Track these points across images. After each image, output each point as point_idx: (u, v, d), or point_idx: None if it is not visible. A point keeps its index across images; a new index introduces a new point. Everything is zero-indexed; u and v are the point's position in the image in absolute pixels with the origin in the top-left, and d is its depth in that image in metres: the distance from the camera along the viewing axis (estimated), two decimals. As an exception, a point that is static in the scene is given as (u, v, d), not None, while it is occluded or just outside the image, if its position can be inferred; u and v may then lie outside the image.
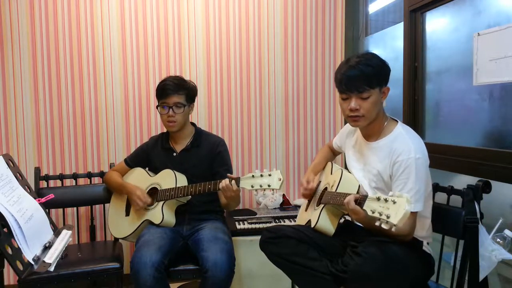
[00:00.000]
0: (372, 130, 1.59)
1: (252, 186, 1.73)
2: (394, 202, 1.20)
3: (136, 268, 1.69)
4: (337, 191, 1.58)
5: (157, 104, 2.04)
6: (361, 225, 1.60)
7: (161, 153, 2.10)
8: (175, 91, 1.98)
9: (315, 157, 2.03)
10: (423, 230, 1.53)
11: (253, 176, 1.74)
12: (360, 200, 1.33)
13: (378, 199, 1.25)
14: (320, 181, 1.85)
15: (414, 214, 1.42)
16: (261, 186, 1.72)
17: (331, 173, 1.76)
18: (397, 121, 1.59)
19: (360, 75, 1.47)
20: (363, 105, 1.49)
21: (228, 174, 1.81)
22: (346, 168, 1.74)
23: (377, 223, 1.23)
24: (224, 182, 1.78)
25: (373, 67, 1.48)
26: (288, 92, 2.78)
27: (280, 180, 1.69)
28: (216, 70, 2.69)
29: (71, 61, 2.55)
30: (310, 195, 1.81)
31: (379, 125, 1.58)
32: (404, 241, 1.43)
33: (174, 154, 2.07)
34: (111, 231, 2.14)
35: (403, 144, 1.47)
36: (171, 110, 1.98)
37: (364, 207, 1.29)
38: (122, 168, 2.19)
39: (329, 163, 1.86)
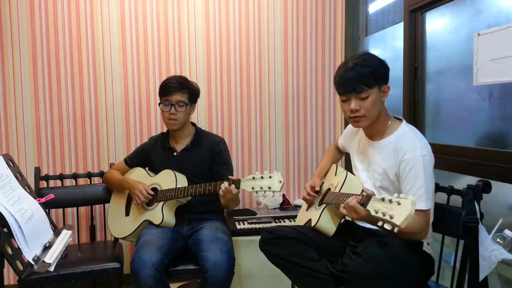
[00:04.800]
0: (375, 130, 1.59)
1: (253, 188, 1.73)
2: (399, 203, 1.19)
3: (136, 268, 1.69)
4: (341, 192, 1.58)
5: (159, 101, 2.05)
6: (362, 224, 1.60)
7: (161, 153, 2.10)
8: (179, 89, 1.99)
9: (322, 158, 2.03)
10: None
11: (253, 178, 1.74)
12: (364, 200, 1.33)
13: (383, 199, 1.24)
14: (323, 182, 1.85)
15: (426, 212, 1.42)
16: (261, 188, 1.72)
17: (335, 175, 1.76)
18: (402, 120, 1.59)
19: (357, 76, 1.47)
20: (363, 105, 1.49)
21: (230, 177, 1.81)
22: (350, 170, 1.74)
23: (379, 223, 1.23)
24: (223, 186, 1.78)
25: (370, 67, 1.48)
26: (288, 92, 2.78)
27: (280, 182, 1.69)
28: (216, 70, 2.69)
29: (71, 61, 2.55)
30: (311, 200, 1.81)
31: (382, 124, 1.57)
32: (411, 241, 1.43)
33: (175, 153, 2.07)
34: (111, 231, 2.13)
35: (408, 142, 1.47)
36: (173, 108, 1.98)
37: (367, 207, 1.29)
38: (122, 167, 2.19)
39: (334, 165, 1.86)
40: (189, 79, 2.10)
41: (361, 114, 1.51)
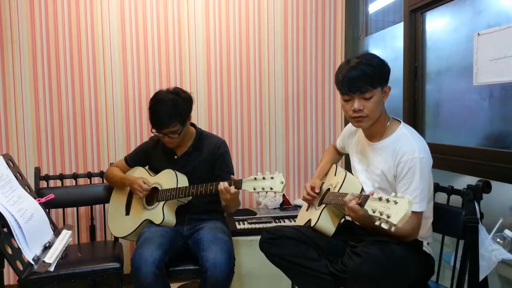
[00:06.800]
0: (375, 131, 1.59)
1: (254, 189, 1.73)
2: (396, 203, 1.20)
3: (137, 265, 1.69)
4: (340, 192, 1.58)
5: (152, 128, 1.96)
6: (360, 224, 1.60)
7: (161, 155, 2.09)
8: (169, 123, 1.88)
9: (321, 158, 2.03)
10: (424, 230, 1.52)
11: (255, 178, 1.74)
12: (362, 200, 1.33)
13: (380, 199, 1.25)
14: (323, 183, 1.85)
15: (418, 214, 1.42)
16: (263, 188, 1.71)
17: (335, 175, 1.76)
18: (400, 122, 1.58)
19: (361, 75, 1.45)
20: (366, 105, 1.48)
21: (232, 176, 1.81)
22: (349, 171, 1.74)
23: (377, 223, 1.24)
24: (223, 185, 1.78)
25: (374, 67, 1.47)
26: (288, 92, 2.78)
27: (282, 183, 1.69)
28: (216, 70, 2.69)
29: (71, 61, 2.55)
30: (311, 200, 1.81)
31: (382, 126, 1.57)
32: (405, 241, 1.43)
33: (175, 157, 2.06)
34: (110, 230, 2.13)
35: (407, 144, 1.47)
36: (166, 137, 1.94)
37: (365, 207, 1.29)
38: (122, 165, 2.19)
39: (334, 166, 1.85)
40: (180, 87, 1.99)
41: (364, 114, 1.50)
